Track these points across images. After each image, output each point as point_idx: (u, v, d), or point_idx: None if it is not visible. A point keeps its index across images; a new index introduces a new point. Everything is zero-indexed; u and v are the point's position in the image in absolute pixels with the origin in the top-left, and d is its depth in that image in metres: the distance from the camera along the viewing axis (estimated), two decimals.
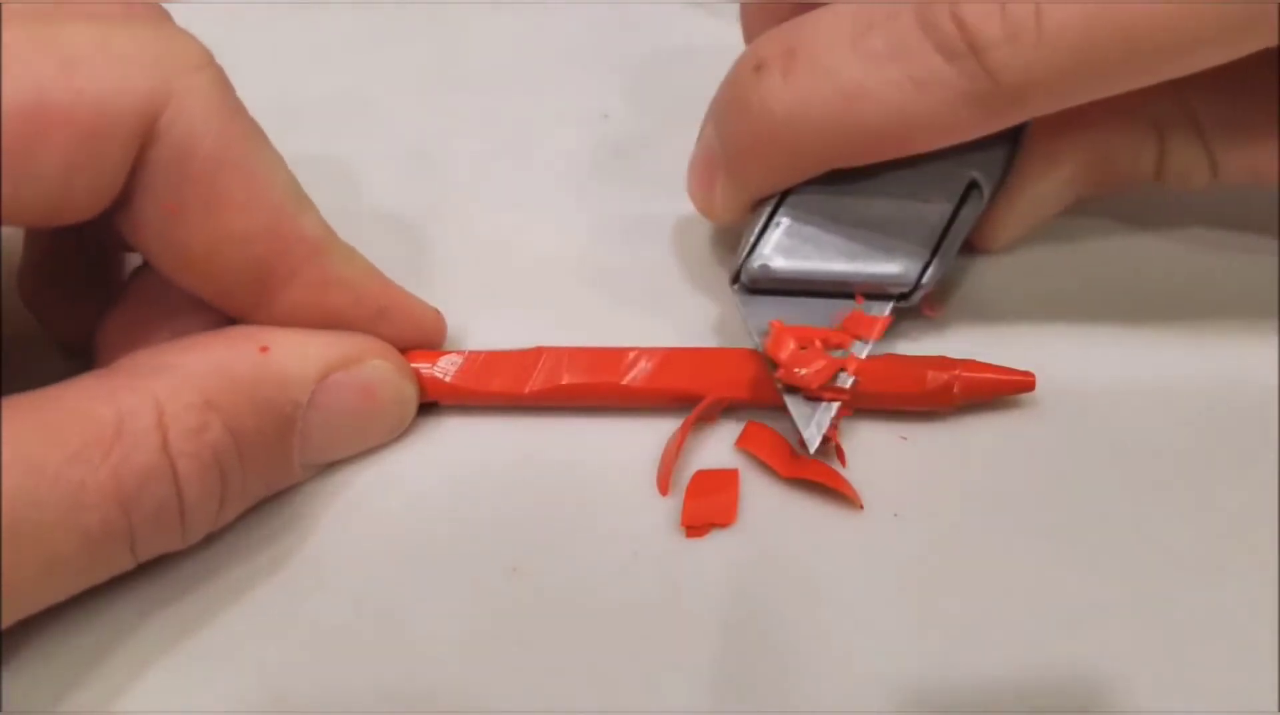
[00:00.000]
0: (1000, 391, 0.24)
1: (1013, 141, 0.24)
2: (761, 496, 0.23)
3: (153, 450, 0.19)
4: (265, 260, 0.21)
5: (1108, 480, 0.23)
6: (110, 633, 0.21)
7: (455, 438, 0.24)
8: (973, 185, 0.24)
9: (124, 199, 0.20)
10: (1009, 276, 0.27)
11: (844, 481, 0.23)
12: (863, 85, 0.20)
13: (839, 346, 0.23)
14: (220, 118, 0.20)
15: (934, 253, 0.24)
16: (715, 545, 0.22)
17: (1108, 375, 0.25)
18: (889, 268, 0.24)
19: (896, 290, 0.24)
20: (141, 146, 0.19)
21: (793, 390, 0.23)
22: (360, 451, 0.24)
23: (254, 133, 0.21)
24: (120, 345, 0.22)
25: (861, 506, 0.23)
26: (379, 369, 0.23)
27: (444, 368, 0.24)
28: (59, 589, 0.19)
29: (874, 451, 0.24)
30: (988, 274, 0.27)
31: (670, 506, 0.23)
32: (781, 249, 0.24)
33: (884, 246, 0.24)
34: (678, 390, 0.24)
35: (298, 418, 0.21)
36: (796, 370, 0.23)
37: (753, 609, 0.21)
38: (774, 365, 0.23)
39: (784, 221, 0.24)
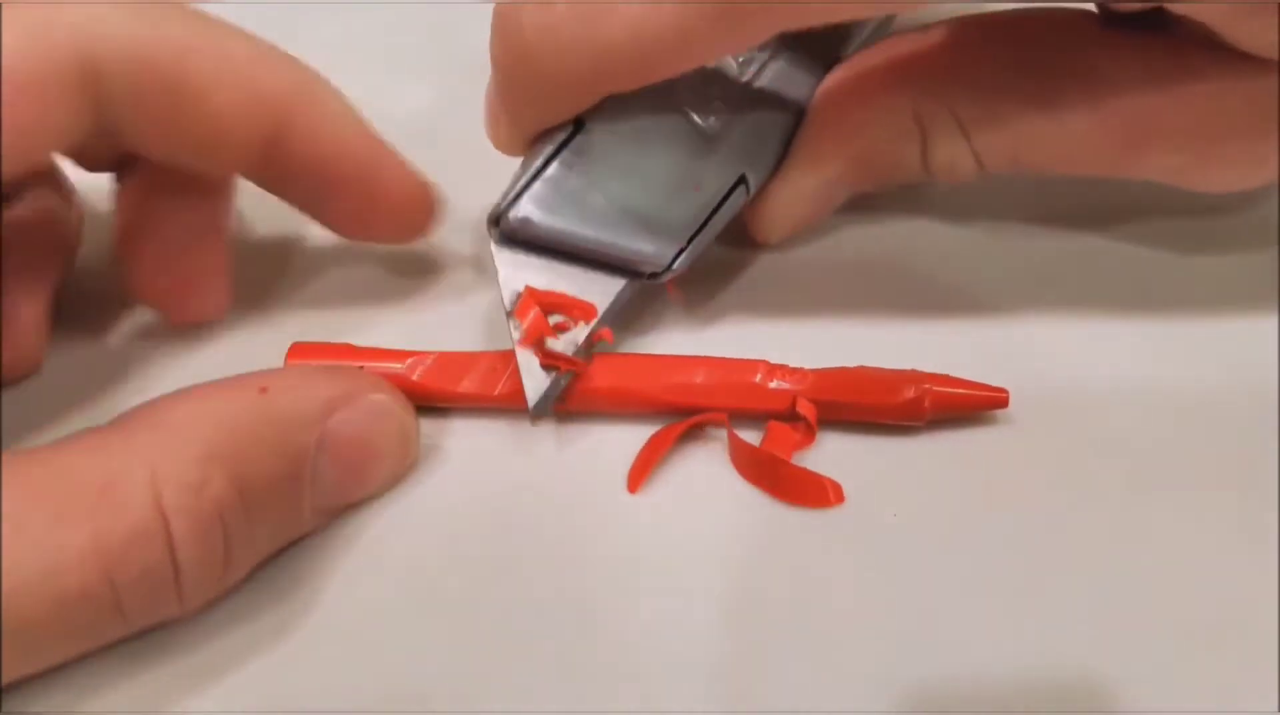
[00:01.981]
0: (972, 407, 0.24)
1: (792, 131, 0.26)
2: (761, 498, 0.23)
3: (143, 511, 0.18)
4: (261, 130, 0.22)
5: (1105, 480, 0.23)
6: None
7: (456, 443, 0.24)
8: (741, 180, 0.24)
9: (109, 129, 0.21)
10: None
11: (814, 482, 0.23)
12: (604, 2, 0.21)
13: (583, 319, 0.23)
14: (145, 30, 0.21)
15: (690, 240, 0.24)
16: (715, 546, 0.22)
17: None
18: (644, 246, 0.24)
19: (647, 269, 0.24)
20: (90, 91, 0.20)
21: (532, 356, 0.23)
22: (368, 495, 0.23)
23: (187, 22, 0.22)
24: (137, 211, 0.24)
25: (834, 504, 0.23)
26: (381, 403, 0.22)
27: (410, 367, 0.24)
28: (35, 655, 0.19)
29: (873, 451, 0.24)
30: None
31: (669, 506, 0.23)
32: (545, 203, 0.23)
33: (645, 224, 0.24)
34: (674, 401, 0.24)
35: (308, 461, 0.21)
36: (547, 342, 0.23)
37: (753, 609, 0.21)
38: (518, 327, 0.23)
39: (554, 173, 0.24)
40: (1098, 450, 0.23)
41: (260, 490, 0.20)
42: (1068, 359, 0.25)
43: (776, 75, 0.26)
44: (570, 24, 0.21)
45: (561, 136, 0.24)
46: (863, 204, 0.28)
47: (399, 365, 0.24)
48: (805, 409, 0.23)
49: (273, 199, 0.24)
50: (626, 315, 0.25)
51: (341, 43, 0.34)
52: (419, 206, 0.25)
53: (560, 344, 0.23)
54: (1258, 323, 0.26)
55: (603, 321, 0.24)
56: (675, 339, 0.26)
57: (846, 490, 0.23)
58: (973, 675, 0.20)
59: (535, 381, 0.23)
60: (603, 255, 0.24)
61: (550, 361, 0.23)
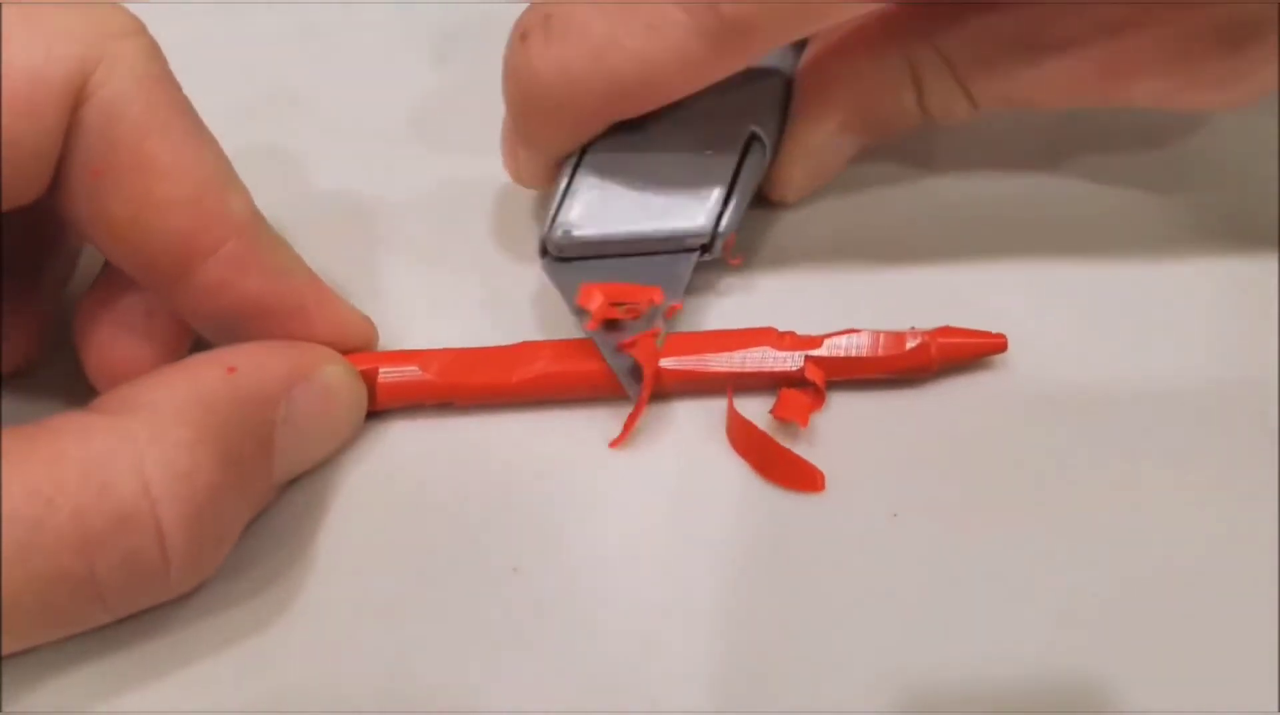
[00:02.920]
0: (974, 354, 0.24)
1: (785, 98, 0.27)
2: (760, 496, 0.23)
3: (130, 496, 0.18)
4: (187, 232, 0.21)
5: (1106, 473, 0.23)
6: (108, 636, 0.21)
7: (454, 436, 0.24)
8: (754, 137, 0.25)
9: (57, 166, 0.20)
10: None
11: (803, 467, 0.23)
12: (610, 38, 0.22)
13: (649, 303, 0.24)
14: (149, 84, 0.21)
15: (725, 203, 0.25)
16: (714, 545, 0.22)
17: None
18: (686, 222, 0.25)
19: (697, 243, 0.25)
20: (73, 109, 0.20)
21: (612, 346, 0.24)
22: (320, 461, 0.24)
23: (184, 104, 0.22)
24: (98, 323, 0.23)
25: (823, 489, 0.23)
26: (335, 375, 0.23)
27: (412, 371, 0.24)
28: (13, 633, 0.19)
29: (872, 453, 0.23)
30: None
31: (670, 504, 0.23)
32: (582, 216, 0.25)
33: (679, 202, 0.25)
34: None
35: (275, 435, 0.21)
36: (614, 329, 0.24)
37: (753, 608, 0.21)
38: (587, 317, 0.24)
39: (581, 188, 0.25)
40: (1092, 444, 0.23)
41: (240, 468, 0.20)
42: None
43: None
44: (580, 62, 0.22)
45: (575, 157, 0.25)
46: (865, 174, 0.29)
47: (414, 368, 0.24)
48: (813, 374, 0.24)
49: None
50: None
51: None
52: (354, 345, 0.24)
53: (636, 325, 0.24)
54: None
55: (671, 299, 0.24)
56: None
57: (850, 455, 0.23)
58: (973, 675, 0.20)
59: (623, 367, 0.24)
60: (651, 244, 0.25)
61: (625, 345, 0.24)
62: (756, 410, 0.24)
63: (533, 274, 0.27)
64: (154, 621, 0.21)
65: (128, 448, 0.19)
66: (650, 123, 0.25)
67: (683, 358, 0.24)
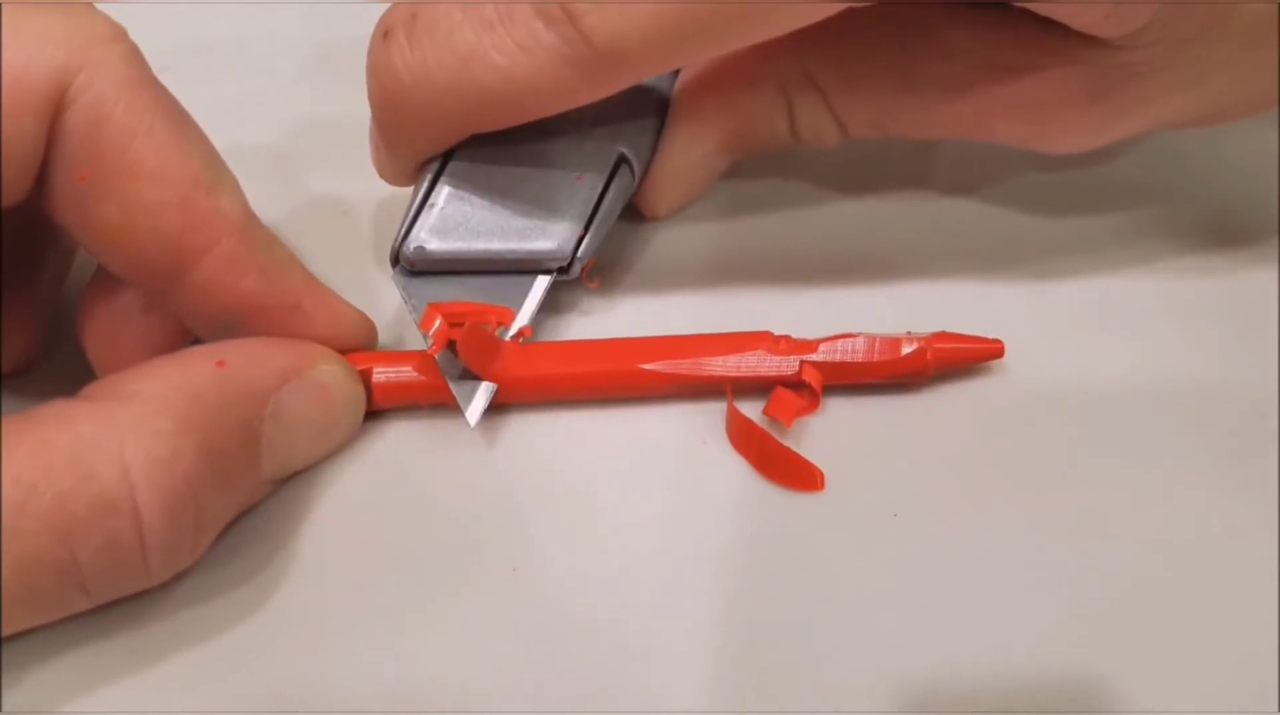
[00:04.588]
0: (971, 359, 0.25)
1: (659, 116, 0.27)
2: (760, 496, 0.23)
3: (110, 482, 0.19)
4: (177, 233, 0.21)
5: (1107, 473, 0.23)
6: (107, 633, 0.21)
7: (454, 437, 0.24)
8: (622, 159, 0.25)
9: (43, 173, 0.21)
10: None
11: (803, 466, 0.23)
12: (475, 50, 0.21)
13: (498, 324, 0.24)
14: (132, 88, 0.21)
15: (587, 227, 0.25)
16: (715, 545, 0.22)
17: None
18: (545, 243, 0.24)
19: (554, 264, 0.25)
20: (55, 114, 0.20)
21: (454, 369, 0.24)
22: (317, 459, 0.24)
23: (170, 105, 0.21)
24: (100, 309, 0.23)
25: (822, 488, 0.23)
26: (329, 373, 0.23)
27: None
28: None
29: (871, 453, 0.24)
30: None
31: (669, 505, 0.23)
32: (437, 230, 0.24)
33: (540, 223, 0.25)
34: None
35: (263, 431, 0.21)
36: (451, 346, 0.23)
37: (753, 608, 0.21)
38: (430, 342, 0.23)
39: (440, 199, 0.25)
40: (1090, 443, 0.24)
41: (224, 462, 0.21)
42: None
43: None
44: (442, 70, 0.22)
45: (437, 163, 0.25)
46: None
47: (410, 368, 0.24)
48: (810, 376, 0.24)
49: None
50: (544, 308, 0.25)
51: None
52: (350, 345, 0.24)
53: None
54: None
55: (522, 321, 0.24)
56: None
57: (849, 458, 0.23)
58: (973, 675, 0.20)
59: (464, 390, 0.23)
60: (507, 263, 0.24)
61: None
62: (752, 413, 0.24)
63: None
64: (137, 613, 0.21)
65: (110, 435, 0.19)
66: (518, 135, 0.24)
67: (678, 362, 0.24)
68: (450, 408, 0.24)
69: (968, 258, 0.27)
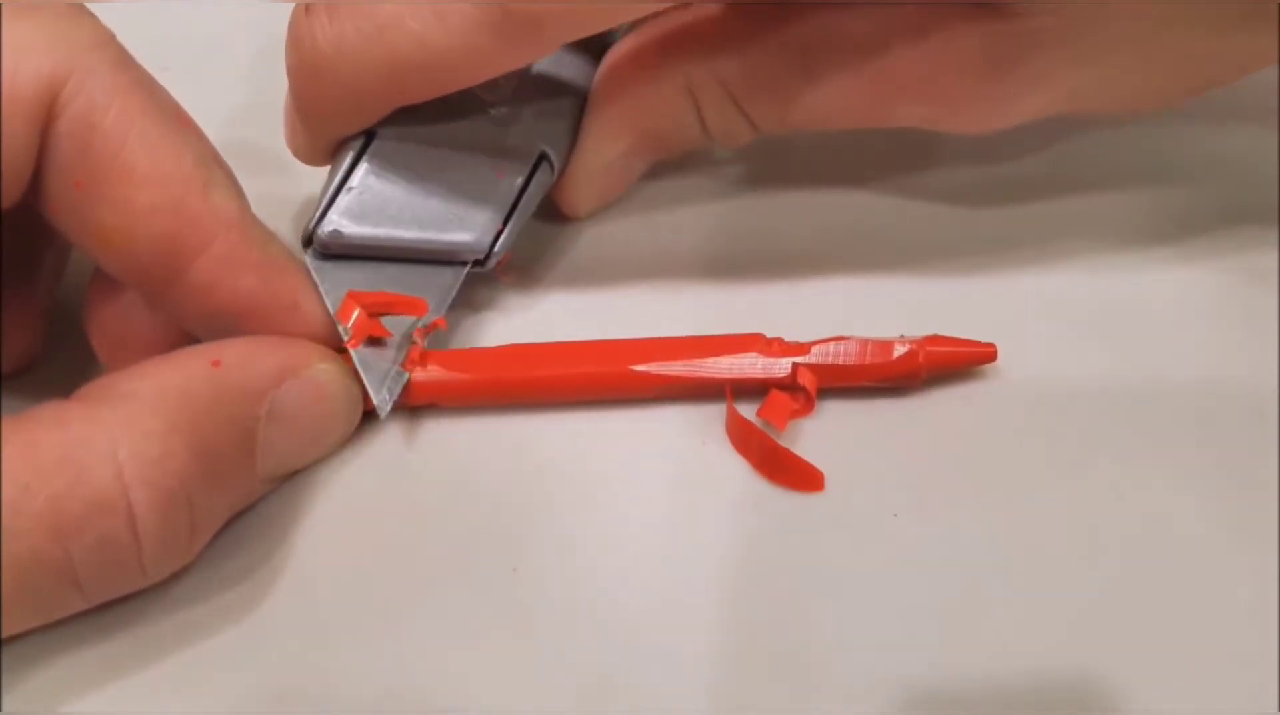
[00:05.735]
0: (964, 363, 0.25)
1: (580, 112, 0.27)
2: (760, 496, 0.23)
3: (103, 481, 0.19)
4: (173, 234, 0.21)
5: (1108, 473, 0.23)
6: (106, 633, 0.21)
7: (453, 437, 0.24)
8: (543, 157, 0.25)
9: (38, 180, 0.21)
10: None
11: (803, 466, 0.23)
12: (394, 17, 0.22)
13: (412, 313, 0.24)
14: (122, 92, 0.21)
15: (506, 221, 0.25)
16: (715, 545, 0.22)
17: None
18: (462, 235, 0.24)
19: (470, 257, 0.25)
20: (46, 122, 0.20)
21: (367, 356, 0.24)
22: (315, 458, 0.24)
23: (162, 106, 0.21)
24: (107, 303, 0.23)
25: (823, 488, 0.23)
26: (326, 372, 0.23)
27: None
28: None
29: (870, 454, 0.24)
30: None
31: (669, 504, 0.23)
32: (354, 213, 0.24)
33: (458, 214, 0.25)
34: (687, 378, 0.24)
35: (259, 430, 0.21)
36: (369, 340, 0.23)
37: (753, 608, 0.21)
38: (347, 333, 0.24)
39: (358, 183, 0.25)
40: (1084, 442, 0.24)
41: (218, 461, 0.21)
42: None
43: (556, 59, 0.27)
44: (360, 39, 0.22)
45: (357, 145, 0.25)
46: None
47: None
48: (805, 379, 0.24)
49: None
50: (459, 302, 0.25)
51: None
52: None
53: (395, 340, 0.24)
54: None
55: (435, 313, 0.24)
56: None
57: (848, 459, 0.23)
58: (973, 675, 0.20)
59: (376, 379, 0.23)
60: (422, 253, 0.24)
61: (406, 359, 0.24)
62: (749, 413, 0.24)
63: None
64: (136, 613, 0.21)
65: (102, 435, 0.19)
66: (441, 123, 0.24)
67: (671, 363, 0.24)
68: (449, 407, 0.24)
69: (956, 258, 0.27)
